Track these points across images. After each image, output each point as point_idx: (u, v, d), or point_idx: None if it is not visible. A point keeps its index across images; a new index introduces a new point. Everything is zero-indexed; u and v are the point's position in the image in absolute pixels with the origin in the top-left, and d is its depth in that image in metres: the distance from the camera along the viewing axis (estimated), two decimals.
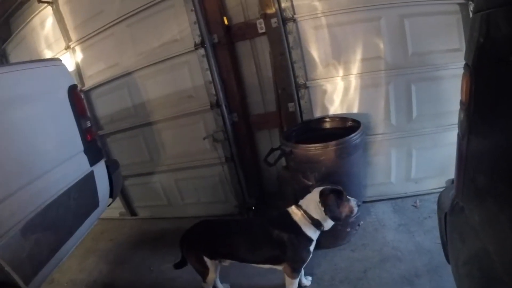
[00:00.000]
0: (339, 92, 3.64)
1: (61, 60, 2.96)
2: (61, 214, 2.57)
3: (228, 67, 3.85)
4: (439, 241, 2.03)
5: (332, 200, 2.46)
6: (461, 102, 1.47)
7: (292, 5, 3.44)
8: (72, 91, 2.87)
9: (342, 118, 3.58)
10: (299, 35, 3.53)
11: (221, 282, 2.98)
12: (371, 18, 3.35)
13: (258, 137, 4.33)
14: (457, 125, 1.55)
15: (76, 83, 3.03)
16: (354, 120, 3.39)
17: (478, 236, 1.36)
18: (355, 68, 3.52)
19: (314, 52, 3.56)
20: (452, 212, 1.68)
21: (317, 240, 2.63)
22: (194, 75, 3.92)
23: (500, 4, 1.13)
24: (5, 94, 2.27)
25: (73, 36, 4.36)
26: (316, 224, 2.52)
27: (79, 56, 4.45)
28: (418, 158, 3.78)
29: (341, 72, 3.57)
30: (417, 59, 3.40)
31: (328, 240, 3.18)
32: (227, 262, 2.76)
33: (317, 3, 3.38)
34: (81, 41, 4.32)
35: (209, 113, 4.01)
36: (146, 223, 4.86)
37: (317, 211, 2.50)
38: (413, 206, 3.70)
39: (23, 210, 2.22)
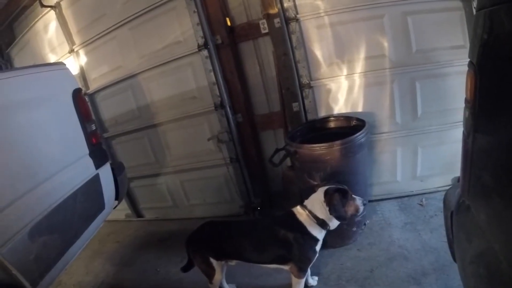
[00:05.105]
0: (343, 91, 3.64)
1: (65, 64, 2.98)
2: (67, 217, 2.58)
3: (232, 67, 3.85)
4: (445, 239, 2.02)
5: (337, 199, 2.44)
6: (466, 100, 1.46)
7: (295, 5, 3.44)
8: (77, 94, 2.89)
9: (346, 117, 3.58)
10: (302, 35, 3.52)
11: (228, 283, 2.98)
12: (374, 16, 3.34)
13: (263, 137, 4.33)
14: (462, 123, 1.54)
15: (80, 86, 3.05)
16: (358, 119, 3.38)
17: (485, 234, 1.35)
18: (359, 66, 3.52)
19: (318, 51, 3.56)
20: (458, 211, 1.67)
21: (324, 240, 2.62)
22: (197, 77, 3.92)
23: (503, 0, 1.12)
24: (10, 98, 2.28)
25: (77, 39, 4.39)
26: (322, 223, 2.51)
27: (83, 59, 4.48)
28: (424, 156, 3.76)
29: (345, 71, 3.56)
30: (421, 57, 3.38)
31: (334, 239, 3.18)
32: (233, 262, 2.76)
33: (319, 2, 3.38)
34: (85, 44, 4.34)
35: (214, 114, 4.01)
36: (152, 224, 4.87)
37: (322, 211, 2.49)
38: (419, 204, 3.68)
39: (30, 214, 2.24)
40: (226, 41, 3.75)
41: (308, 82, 3.65)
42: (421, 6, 3.25)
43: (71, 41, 4.41)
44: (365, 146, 3.14)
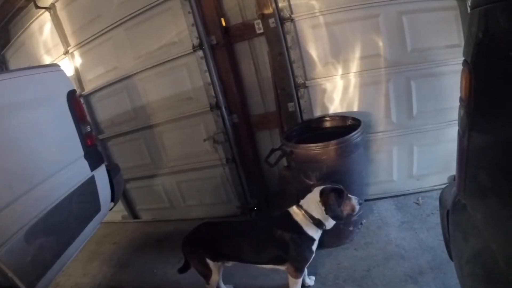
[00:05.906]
0: (338, 90, 3.64)
1: (59, 66, 2.97)
2: (64, 219, 2.57)
3: (227, 68, 3.84)
4: (442, 238, 2.02)
5: (333, 199, 2.44)
6: (461, 99, 1.46)
7: (290, 5, 3.44)
8: (71, 96, 2.87)
9: (342, 117, 3.57)
10: (297, 35, 3.52)
11: (225, 283, 2.97)
12: (369, 16, 3.34)
13: (259, 137, 4.32)
14: (457, 122, 1.55)
15: (74, 88, 3.03)
16: (354, 119, 3.37)
17: (481, 234, 1.35)
18: (354, 66, 3.52)
19: (313, 51, 3.56)
20: (454, 210, 1.67)
21: (320, 240, 2.62)
22: (193, 77, 3.91)
23: None
24: (5, 100, 2.27)
25: (72, 41, 4.37)
26: (318, 223, 2.51)
27: (78, 60, 4.46)
28: (420, 155, 3.77)
29: (340, 71, 3.56)
30: (417, 56, 3.39)
31: (331, 239, 3.17)
32: (230, 263, 2.76)
33: (314, 2, 3.38)
34: (80, 45, 4.32)
35: (209, 114, 4.00)
36: (148, 226, 4.86)
37: (318, 211, 2.49)
38: (416, 203, 3.69)
39: (26, 216, 2.23)
40: (221, 42, 3.74)
41: (303, 82, 3.65)
42: (416, 6, 3.25)
43: (66, 43, 4.39)
44: (360, 145, 3.14)
